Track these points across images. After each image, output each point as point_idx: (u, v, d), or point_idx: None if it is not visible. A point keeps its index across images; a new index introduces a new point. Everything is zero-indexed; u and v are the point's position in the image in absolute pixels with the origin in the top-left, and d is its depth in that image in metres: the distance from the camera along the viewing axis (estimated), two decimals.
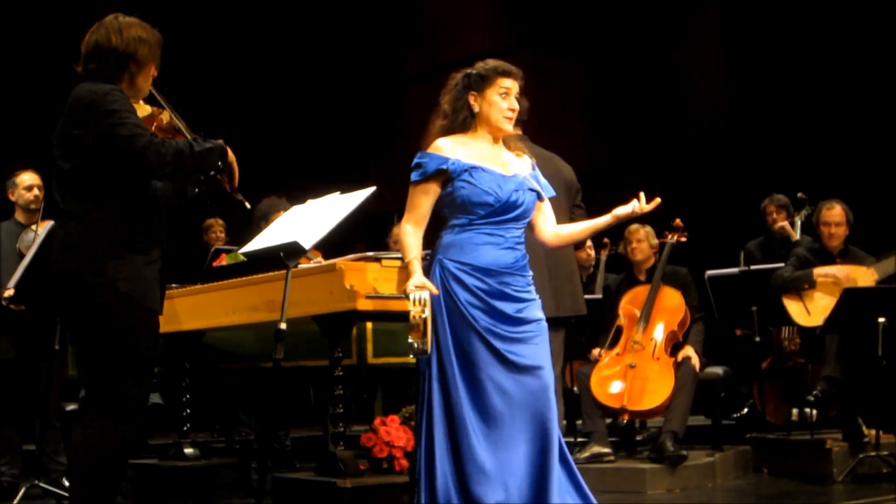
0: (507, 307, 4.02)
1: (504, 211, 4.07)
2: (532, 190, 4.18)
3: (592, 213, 4.55)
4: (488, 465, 3.90)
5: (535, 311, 4.11)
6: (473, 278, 4.01)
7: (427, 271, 4.05)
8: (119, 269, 3.62)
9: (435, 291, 3.96)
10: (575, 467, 4.09)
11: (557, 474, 3.98)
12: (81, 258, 3.64)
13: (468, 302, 4.00)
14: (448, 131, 4.18)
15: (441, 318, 4.00)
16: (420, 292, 3.91)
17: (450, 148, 4.11)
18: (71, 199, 3.73)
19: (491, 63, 4.18)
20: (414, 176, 4.12)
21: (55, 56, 3.98)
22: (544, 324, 4.11)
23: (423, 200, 4.10)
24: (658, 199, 4.22)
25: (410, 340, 3.88)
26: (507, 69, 4.18)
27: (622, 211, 4.28)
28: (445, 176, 4.08)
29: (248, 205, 3.98)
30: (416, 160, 4.13)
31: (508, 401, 3.95)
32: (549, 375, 4.06)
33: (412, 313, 3.87)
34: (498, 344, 3.97)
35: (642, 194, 4.23)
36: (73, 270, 3.64)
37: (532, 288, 4.13)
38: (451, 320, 4.01)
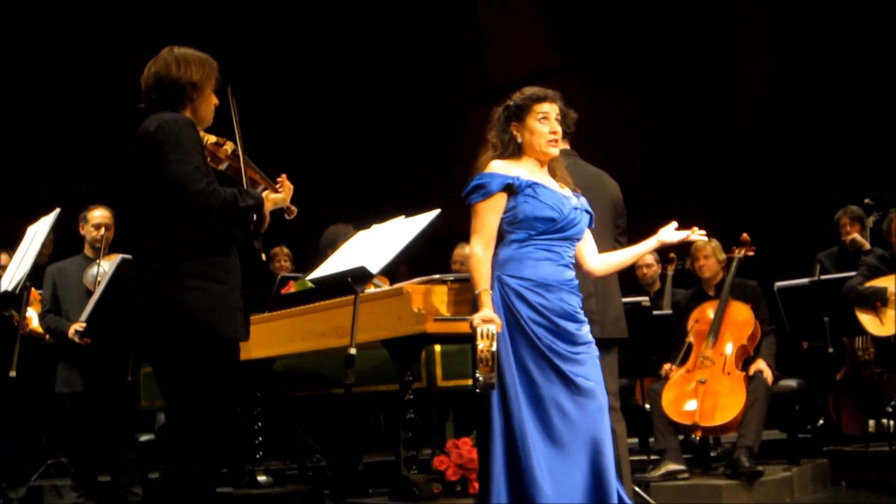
0: (569, 325, 4.04)
1: (563, 228, 4.10)
2: (587, 212, 4.22)
3: (648, 229, 4.52)
4: (547, 489, 3.89)
5: (588, 332, 4.14)
6: (535, 294, 4.01)
7: None
8: (197, 301, 3.64)
9: (499, 324, 3.94)
10: (624, 492, 4.09)
11: (615, 493, 3.98)
12: (159, 291, 3.66)
13: (530, 319, 4.00)
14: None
15: (503, 337, 3.97)
16: (487, 326, 3.87)
17: (505, 167, 4.15)
18: (142, 233, 3.76)
19: (526, 91, 4.22)
20: (477, 197, 4.12)
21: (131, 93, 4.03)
22: (595, 346, 4.14)
23: (491, 218, 4.10)
24: (700, 230, 4.46)
25: (478, 375, 3.83)
26: (541, 94, 4.20)
27: (668, 238, 4.40)
28: (511, 190, 4.09)
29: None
30: (475, 182, 4.14)
31: (570, 424, 3.95)
32: (604, 397, 4.08)
33: (480, 348, 3.83)
34: (560, 363, 3.97)
35: (696, 228, 4.43)
36: (151, 304, 3.67)
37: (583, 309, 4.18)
38: (513, 338, 4.00)
